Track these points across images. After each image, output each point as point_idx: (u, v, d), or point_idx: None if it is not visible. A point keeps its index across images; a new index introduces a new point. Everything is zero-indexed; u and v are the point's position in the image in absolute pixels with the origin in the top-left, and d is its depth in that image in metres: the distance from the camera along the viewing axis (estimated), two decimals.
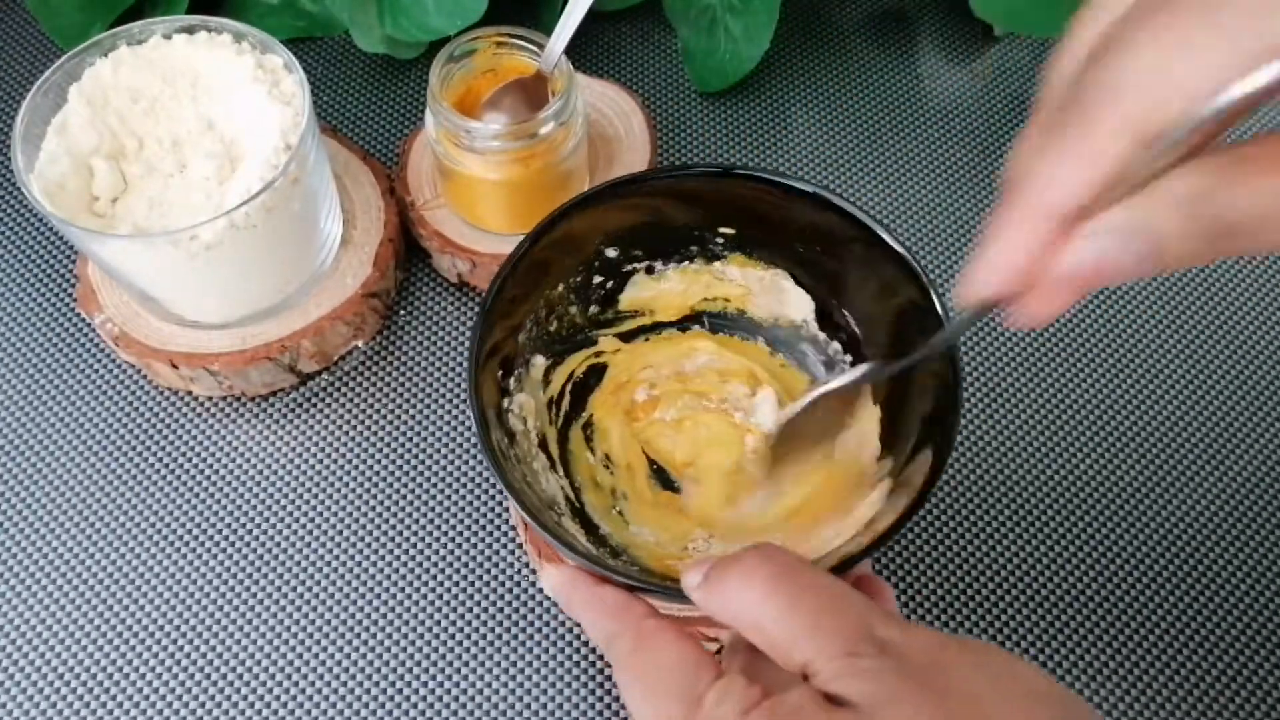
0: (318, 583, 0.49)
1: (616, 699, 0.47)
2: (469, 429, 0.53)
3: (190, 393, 0.54)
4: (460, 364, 0.55)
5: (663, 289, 0.49)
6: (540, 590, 0.49)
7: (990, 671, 0.28)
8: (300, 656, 0.47)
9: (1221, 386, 0.55)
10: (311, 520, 0.51)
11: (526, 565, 0.49)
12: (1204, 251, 0.25)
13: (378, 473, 0.52)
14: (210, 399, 0.54)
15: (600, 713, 0.46)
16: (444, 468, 0.52)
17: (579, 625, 0.48)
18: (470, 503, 0.51)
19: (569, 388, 0.48)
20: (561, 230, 0.43)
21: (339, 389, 0.54)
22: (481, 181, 0.52)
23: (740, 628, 0.31)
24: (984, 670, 0.28)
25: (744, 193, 0.44)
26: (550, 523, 0.39)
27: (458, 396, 0.54)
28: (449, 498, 0.51)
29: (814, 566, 0.31)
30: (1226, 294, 0.58)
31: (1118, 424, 0.54)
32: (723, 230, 0.46)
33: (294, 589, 0.49)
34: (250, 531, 0.50)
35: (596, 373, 0.49)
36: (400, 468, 0.52)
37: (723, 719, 0.29)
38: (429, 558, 0.50)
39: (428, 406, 0.54)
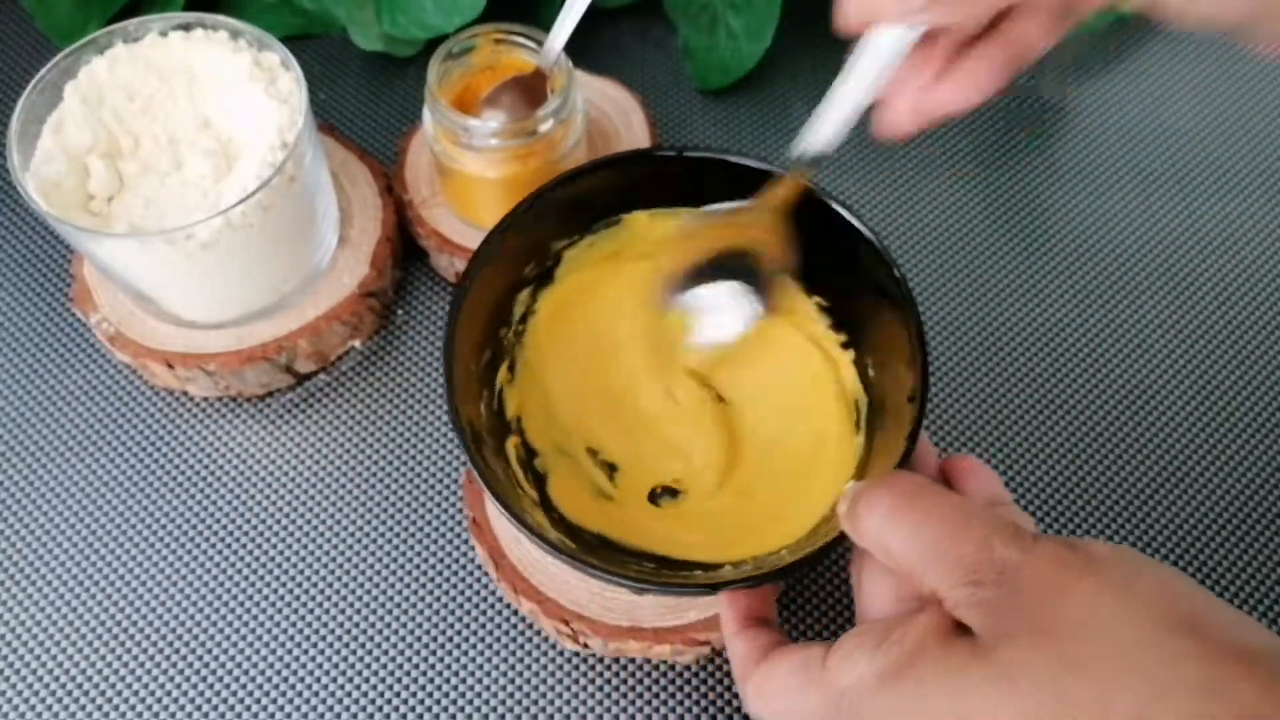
0: (314, 583, 0.49)
1: (588, 705, 0.46)
2: None
3: (186, 393, 0.53)
4: None
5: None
6: None
7: (1110, 594, 0.27)
8: (296, 657, 0.47)
9: (1223, 388, 0.55)
10: (308, 521, 0.50)
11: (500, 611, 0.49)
12: None
13: (375, 473, 0.52)
14: (206, 399, 0.53)
15: (585, 716, 0.46)
16: (442, 468, 0.52)
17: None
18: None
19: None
20: (522, 228, 0.43)
21: (336, 389, 0.54)
22: (480, 179, 0.51)
23: (876, 554, 0.32)
24: (1103, 594, 0.27)
25: (704, 173, 0.44)
26: (497, 478, 0.39)
27: None
28: (447, 499, 0.51)
29: (938, 488, 0.31)
30: (1228, 294, 0.58)
31: (1117, 426, 0.54)
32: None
33: (290, 589, 0.49)
34: (246, 532, 0.50)
35: None
36: (398, 468, 0.52)
37: (857, 666, 0.30)
38: (426, 559, 0.50)
39: (425, 406, 0.54)
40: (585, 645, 0.46)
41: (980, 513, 0.30)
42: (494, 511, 0.47)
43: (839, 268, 0.44)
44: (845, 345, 0.46)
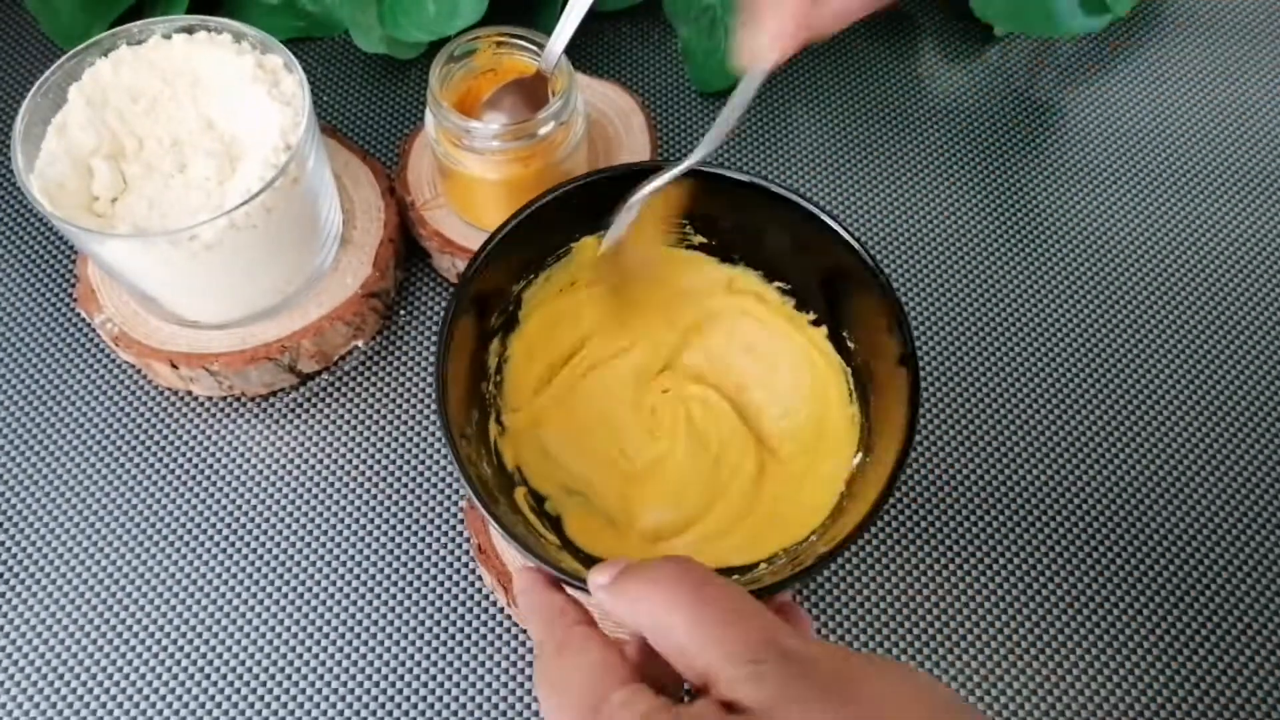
0: (317, 582, 0.49)
1: None
2: None
3: (190, 393, 0.54)
4: None
5: None
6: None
7: (894, 681, 0.28)
8: (299, 656, 0.47)
9: (1221, 387, 0.55)
10: (311, 520, 0.51)
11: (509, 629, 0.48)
12: None
13: (377, 472, 0.52)
14: (210, 399, 0.54)
15: None
16: (444, 467, 0.52)
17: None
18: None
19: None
20: (484, 277, 0.43)
21: (339, 389, 0.54)
22: (481, 181, 0.52)
23: (645, 632, 0.31)
24: (888, 680, 0.28)
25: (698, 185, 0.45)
26: (522, 533, 0.39)
27: None
28: (449, 498, 0.51)
29: (722, 578, 0.31)
30: (1225, 294, 0.58)
31: (1115, 426, 0.54)
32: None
33: (293, 589, 0.49)
34: (250, 531, 0.50)
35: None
36: (400, 467, 0.52)
37: None
38: (429, 557, 0.50)
39: (427, 406, 0.54)
40: None
41: (763, 609, 0.30)
42: (499, 538, 0.47)
43: (795, 249, 0.45)
44: (815, 322, 0.46)
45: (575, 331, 0.48)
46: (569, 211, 0.45)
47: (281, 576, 0.49)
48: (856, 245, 0.42)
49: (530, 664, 0.47)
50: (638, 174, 0.43)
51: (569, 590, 0.36)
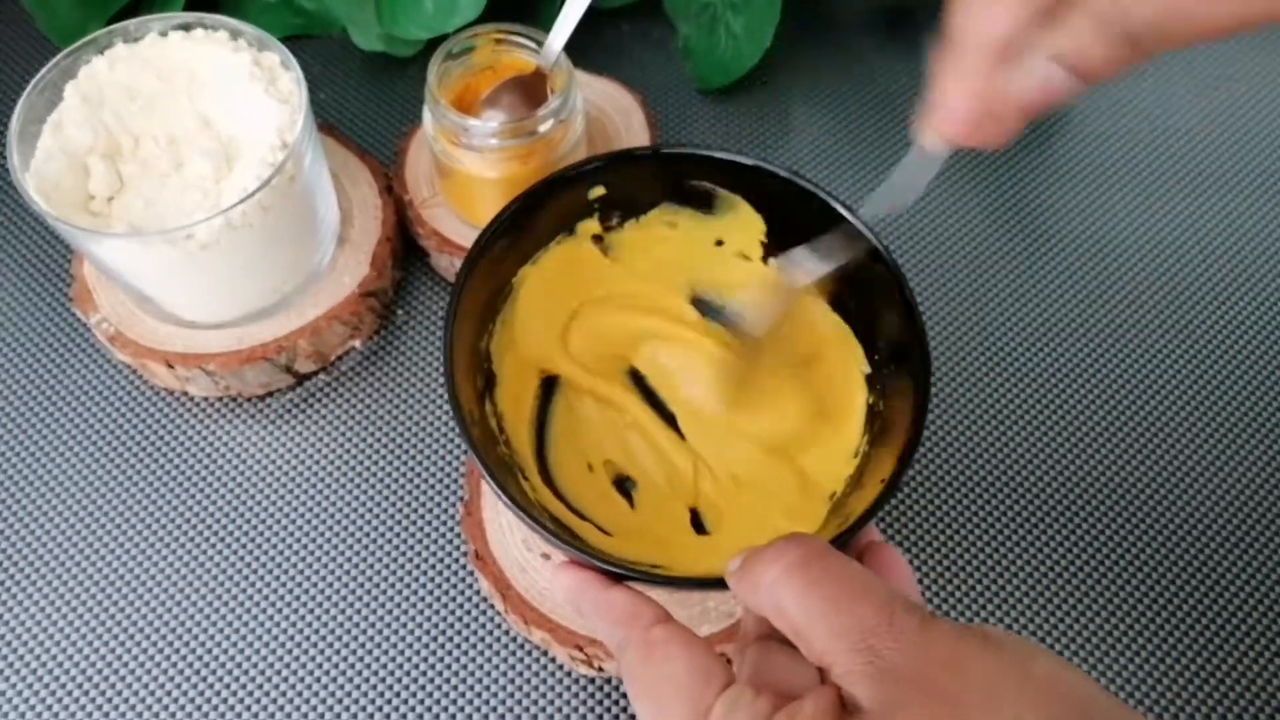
0: (313, 584, 0.49)
1: (602, 706, 0.46)
2: None
3: (186, 393, 0.53)
4: None
5: None
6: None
7: (1012, 670, 0.27)
8: (296, 657, 0.47)
9: (1223, 388, 0.55)
10: (308, 521, 0.50)
11: (508, 632, 0.48)
12: (1121, 56, 0.29)
13: (374, 473, 0.52)
14: (206, 399, 0.53)
15: (600, 716, 0.46)
16: (442, 468, 0.52)
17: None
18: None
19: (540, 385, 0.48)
20: (517, 222, 0.43)
21: (336, 389, 0.54)
22: (480, 179, 0.51)
23: (766, 613, 0.30)
24: (1005, 668, 0.27)
25: (690, 170, 0.44)
26: (550, 524, 0.38)
27: None
28: (447, 498, 0.51)
29: (838, 554, 0.30)
30: (1228, 294, 0.58)
31: (1120, 424, 0.54)
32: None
33: (289, 590, 0.49)
34: (246, 532, 0.50)
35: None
36: (398, 468, 0.52)
37: None
38: (425, 559, 0.50)
39: (425, 407, 0.54)
40: (600, 669, 0.46)
41: (881, 584, 0.29)
42: (496, 544, 0.47)
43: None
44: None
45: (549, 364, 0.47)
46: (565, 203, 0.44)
47: (277, 578, 0.49)
48: (861, 226, 0.41)
49: (528, 669, 0.47)
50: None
51: (630, 585, 0.35)
